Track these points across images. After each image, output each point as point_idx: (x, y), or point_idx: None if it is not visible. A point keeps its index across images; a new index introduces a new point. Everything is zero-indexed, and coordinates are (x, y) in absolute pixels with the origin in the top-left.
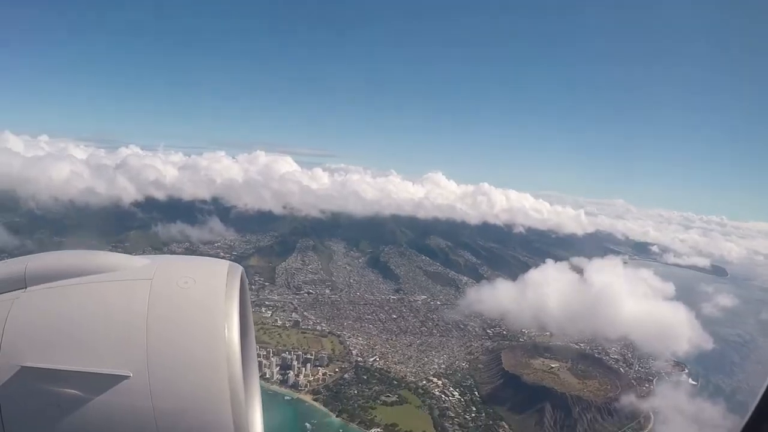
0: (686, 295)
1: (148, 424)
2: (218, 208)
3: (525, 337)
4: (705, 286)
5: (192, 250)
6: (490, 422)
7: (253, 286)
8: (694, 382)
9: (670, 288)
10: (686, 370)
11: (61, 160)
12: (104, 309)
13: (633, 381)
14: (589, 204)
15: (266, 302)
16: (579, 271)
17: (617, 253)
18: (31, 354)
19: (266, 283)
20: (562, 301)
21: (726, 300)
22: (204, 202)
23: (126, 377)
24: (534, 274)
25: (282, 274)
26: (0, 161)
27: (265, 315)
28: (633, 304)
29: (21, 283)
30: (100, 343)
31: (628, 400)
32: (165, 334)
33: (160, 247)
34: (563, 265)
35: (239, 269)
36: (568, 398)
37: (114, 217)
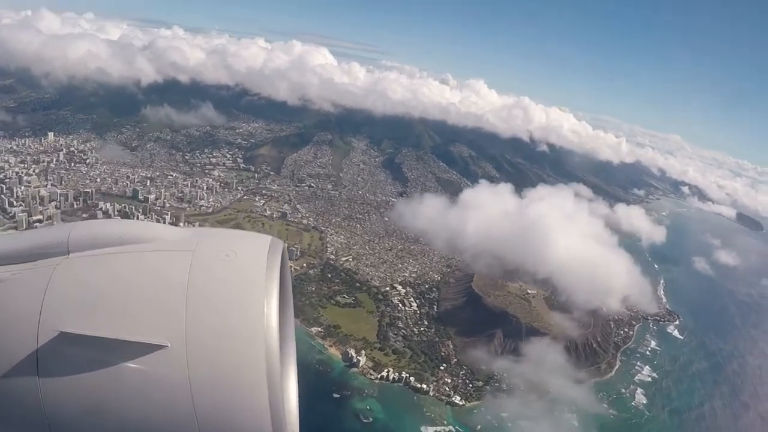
0: (685, 244)
1: (183, 395)
2: (241, 95)
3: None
4: (712, 238)
5: (212, 134)
6: (437, 339)
7: (256, 174)
8: (680, 336)
9: (659, 232)
10: (677, 321)
11: (80, 39)
12: (145, 278)
13: (611, 323)
14: (643, 135)
15: (263, 191)
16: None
17: (651, 187)
18: (70, 320)
19: (271, 173)
20: (486, 227)
21: (728, 258)
22: (227, 87)
23: (164, 347)
24: (468, 194)
25: (290, 165)
26: (21, 39)
27: (257, 204)
28: (571, 243)
29: (64, 249)
30: (139, 312)
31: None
32: (204, 306)
33: (178, 129)
34: (506, 188)
35: (281, 244)
36: (522, 328)
37: (131, 97)
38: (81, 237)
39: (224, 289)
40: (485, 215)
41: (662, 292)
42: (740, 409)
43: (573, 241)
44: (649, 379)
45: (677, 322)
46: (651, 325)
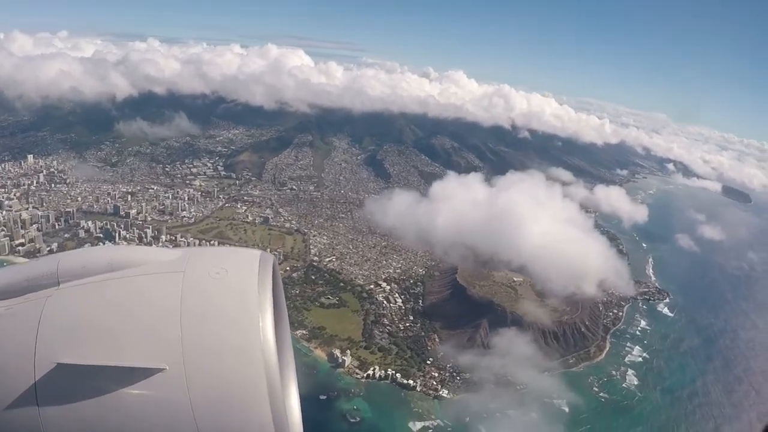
0: (673, 221)
1: (185, 417)
2: (218, 103)
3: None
4: (700, 214)
5: (191, 144)
6: (422, 334)
7: (237, 181)
8: (670, 314)
9: (641, 212)
10: (667, 299)
11: (51, 59)
12: (137, 303)
13: (600, 305)
14: (628, 115)
15: (245, 197)
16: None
17: (637, 166)
18: (65, 350)
19: (252, 178)
20: (459, 219)
21: (716, 232)
22: (203, 96)
23: (162, 370)
24: (438, 187)
25: (271, 169)
26: None
27: (239, 211)
28: (544, 229)
29: (54, 280)
30: (134, 337)
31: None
32: (200, 326)
33: (157, 142)
34: (477, 177)
35: (271, 258)
36: (508, 317)
37: (107, 113)
38: (70, 267)
39: (218, 307)
40: (457, 207)
41: (651, 270)
42: (734, 383)
43: (547, 227)
44: (640, 359)
45: (667, 300)
46: (640, 305)
